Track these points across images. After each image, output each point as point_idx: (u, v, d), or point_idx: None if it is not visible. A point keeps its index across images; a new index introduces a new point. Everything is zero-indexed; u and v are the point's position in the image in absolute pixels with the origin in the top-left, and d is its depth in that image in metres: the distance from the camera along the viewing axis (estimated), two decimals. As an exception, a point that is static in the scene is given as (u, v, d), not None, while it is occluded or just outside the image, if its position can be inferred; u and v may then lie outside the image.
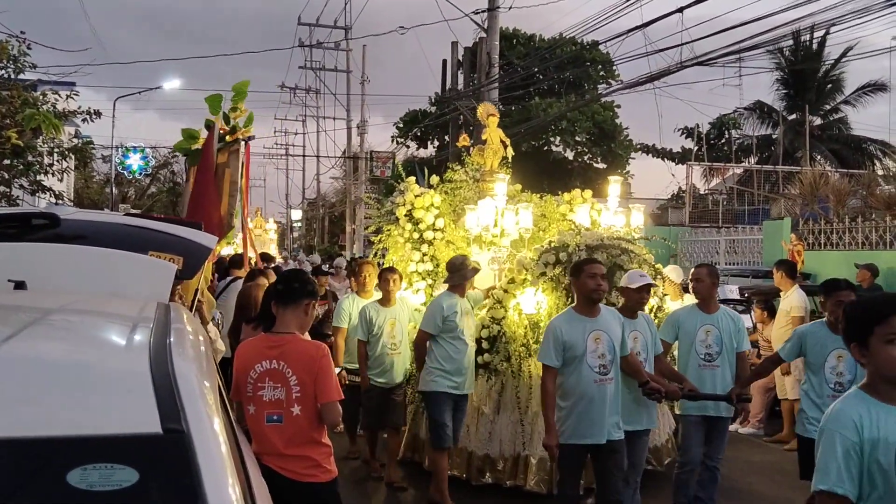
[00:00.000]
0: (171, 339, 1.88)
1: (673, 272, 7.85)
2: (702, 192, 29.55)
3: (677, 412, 5.84)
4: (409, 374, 6.77)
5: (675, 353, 5.93)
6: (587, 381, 4.77)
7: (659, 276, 6.88)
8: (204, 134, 5.44)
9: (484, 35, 17.98)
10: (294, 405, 3.74)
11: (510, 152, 8.29)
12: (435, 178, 8.13)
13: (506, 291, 6.56)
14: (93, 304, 2.60)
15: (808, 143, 25.86)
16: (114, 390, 1.51)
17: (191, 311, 4.05)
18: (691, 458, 5.58)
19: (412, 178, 7.79)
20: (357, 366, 6.76)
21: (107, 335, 2.06)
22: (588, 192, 8.16)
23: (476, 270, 6.28)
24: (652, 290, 6.50)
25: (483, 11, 17.56)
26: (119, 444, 1.34)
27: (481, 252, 7.34)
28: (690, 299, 6.55)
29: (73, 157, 14.03)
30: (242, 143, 5.16)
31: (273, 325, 5.40)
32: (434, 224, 7.54)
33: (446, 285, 6.28)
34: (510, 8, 17.39)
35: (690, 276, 5.89)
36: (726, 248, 17.13)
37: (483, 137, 8.34)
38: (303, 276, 4.21)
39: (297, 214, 53.99)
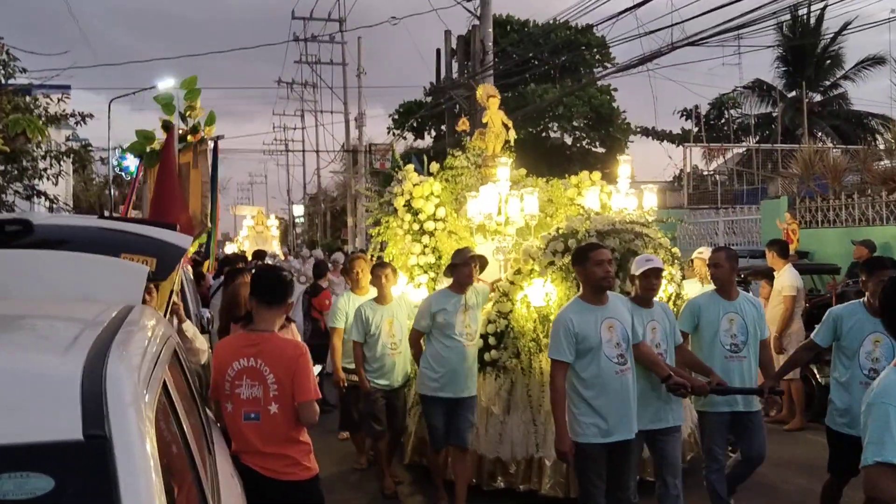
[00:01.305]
0: (115, 343, 1.87)
1: (706, 253, 7.21)
2: (703, 174, 29.47)
3: (697, 408, 5.45)
4: (410, 375, 6.46)
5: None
6: (608, 373, 4.41)
7: (677, 261, 6.49)
8: (160, 134, 5.32)
9: (477, 23, 17.92)
10: (272, 403, 3.75)
11: (512, 135, 7.87)
12: (435, 166, 7.72)
13: (512, 283, 6.15)
14: (53, 310, 2.60)
15: (807, 120, 25.73)
16: (40, 396, 1.50)
17: (165, 312, 4.05)
18: (718, 457, 5.18)
19: (410, 167, 7.45)
20: (356, 366, 6.39)
21: (50, 340, 2.05)
22: (597, 175, 7.71)
23: (472, 258, 5.84)
24: (669, 276, 6.08)
25: (475, -1, 17.48)
26: (37, 452, 1.34)
27: (485, 242, 6.94)
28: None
29: (68, 160, 14.05)
30: (210, 142, 5.06)
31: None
32: (435, 214, 7.14)
33: (449, 281, 5.96)
34: (502, -6, 17.30)
35: (708, 261, 5.50)
36: (725, 228, 17.07)
37: (483, 120, 7.90)
38: (285, 278, 4.19)
39: (298, 210, 53.99)
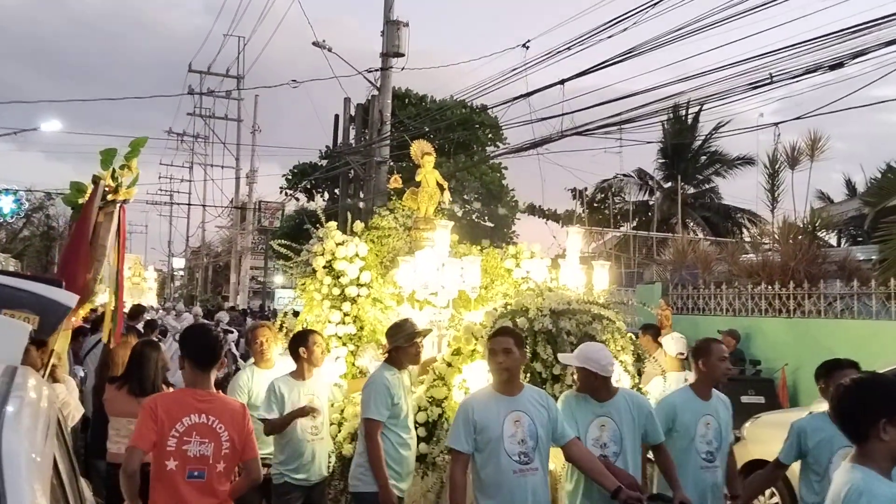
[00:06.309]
0: (8, 411, 1.82)
1: (672, 342, 6.60)
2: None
3: None
4: (334, 467, 5.43)
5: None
6: (506, 472, 3.94)
7: (636, 349, 5.76)
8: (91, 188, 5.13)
9: (376, 93, 18.34)
10: (220, 462, 3.73)
11: (447, 197, 7.34)
12: (359, 225, 6.98)
13: (450, 365, 5.32)
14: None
15: (681, 211, 27.29)
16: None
17: (45, 372, 3.89)
18: None
19: (333, 224, 6.69)
20: (268, 454, 5.02)
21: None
22: (536, 246, 7.24)
23: (418, 334, 5.02)
24: (623, 366, 5.40)
25: (376, 70, 17.94)
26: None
27: (413, 312, 6.07)
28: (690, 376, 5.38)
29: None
30: (118, 205, 4.93)
31: (139, 384, 5.28)
32: (359, 278, 6.38)
33: (382, 357, 5.17)
34: (403, 69, 17.81)
35: (702, 352, 4.72)
36: (604, 309, 17.68)
37: (417, 178, 7.22)
38: (219, 339, 4.12)
39: (179, 263, 52.37)
